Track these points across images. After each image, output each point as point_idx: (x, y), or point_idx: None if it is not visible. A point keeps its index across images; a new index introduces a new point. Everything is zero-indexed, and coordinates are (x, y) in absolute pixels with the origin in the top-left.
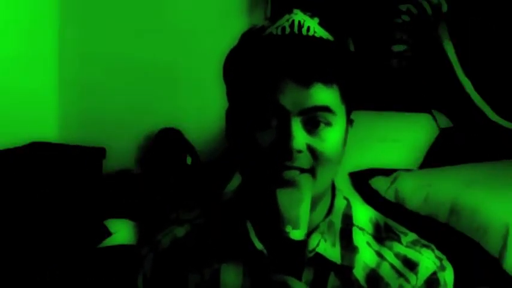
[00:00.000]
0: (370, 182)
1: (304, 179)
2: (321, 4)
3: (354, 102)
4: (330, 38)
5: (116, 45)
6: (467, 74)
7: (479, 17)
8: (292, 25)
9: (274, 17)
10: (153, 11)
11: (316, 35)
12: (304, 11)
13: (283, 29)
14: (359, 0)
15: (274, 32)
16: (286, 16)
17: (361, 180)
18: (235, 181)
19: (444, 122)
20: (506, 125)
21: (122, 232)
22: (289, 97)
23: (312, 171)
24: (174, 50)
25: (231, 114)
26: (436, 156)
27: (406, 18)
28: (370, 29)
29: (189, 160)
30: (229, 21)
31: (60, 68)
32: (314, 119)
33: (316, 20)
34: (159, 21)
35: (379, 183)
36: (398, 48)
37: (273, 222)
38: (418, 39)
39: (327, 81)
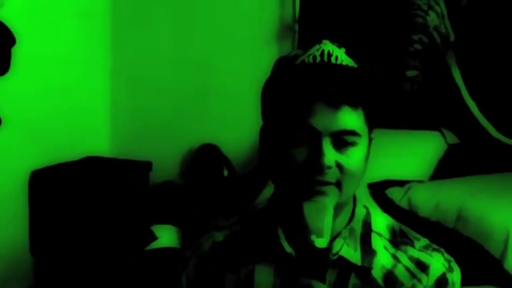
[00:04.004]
0: (386, 192)
1: (331, 190)
2: (342, 35)
3: (375, 124)
4: (356, 66)
5: (161, 70)
6: (472, 96)
7: (483, 45)
8: (322, 54)
9: (305, 47)
10: (193, 40)
11: (343, 63)
12: (332, 41)
13: (314, 57)
14: (376, 30)
15: (306, 61)
16: (317, 46)
17: (379, 190)
18: (268, 191)
19: (452, 138)
20: (507, 141)
21: (166, 236)
22: (321, 120)
23: (338, 184)
24: (212, 75)
25: (265, 133)
26: (445, 169)
27: (418, 46)
28: (386, 56)
29: (225, 172)
30: (260, 50)
31: (112, 91)
32: (342, 139)
33: (343, 49)
34: (198, 50)
35: (394, 193)
36: (411, 73)
37: (300, 231)
38: (428, 65)
39: (353, 105)
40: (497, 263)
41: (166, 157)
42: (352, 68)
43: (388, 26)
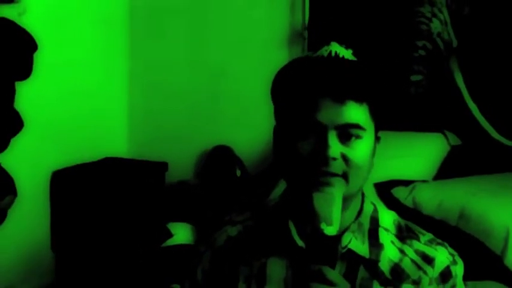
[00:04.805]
0: (392, 191)
1: (338, 182)
2: (350, 41)
3: (381, 120)
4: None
5: (176, 75)
6: (474, 100)
7: (485, 51)
8: (330, 54)
9: (314, 48)
10: (207, 46)
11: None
12: (340, 44)
13: (322, 56)
14: (383, 37)
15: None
16: (325, 47)
17: (385, 190)
18: (279, 189)
19: (454, 140)
20: (507, 143)
21: (181, 233)
22: (326, 114)
23: (344, 176)
24: (225, 79)
25: (278, 130)
26: (448, 170)
27: (422, 52)
28: (392, 61)
29: (238, 173)
30: (271, 55)
31: (130, 94)
32: (347, 132)
33: (351, 51)
34: (212, 55)
35: (399, 192)
36: (415, 78)
37: (310, 220)
38: (432, 70)
39: (358, 100)
40: (498, 259)
41: (181, 158)
42: (357, 63)
43: (394, 33)
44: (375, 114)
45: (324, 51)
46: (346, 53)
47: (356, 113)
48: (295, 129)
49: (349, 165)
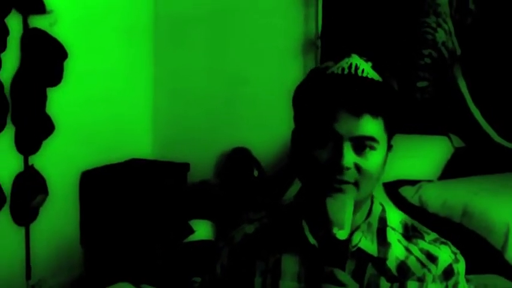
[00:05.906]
0: (399, 190)
1: (349, 189)
2: (360, 49)
3: (394, 132)
4: (380, 79)
5: (198, 81)
6: (477, 105)
7: (486, 59)
8: (350, 67)
9: (336, 59)
10: (226, 54)
11: (368, 76)
12: (361, 56)
13: (343, 69)
14: (391, 46)
15: (335, 72)
16: (346, 59)
17: (392, 189)
18: (293, 189)
19: (458, 142)
20: (507, 145)
21: (202, 230)
22: (343, 125)
23: (356, 184)
24: (244, 85)
25: (296, 135)
26: (452, 170)
27: (427, 60)
28: (400, 69)
29: (255, 173)
30: (286, 63)
31: (154, 99)
32: (362, 143)
33: (370, 64)
34: (231, 63)
35: (406, 192)
36: (421, 84)
37: (323, 224)
38: (437, 77)
39: (374, 114)
40: (499, 254)
41: (202, 159)
42: (375, 81)
43: (401, 42)
44: (389, 127)
45: (344, 64)
46: (366, 66)
47: (371, 126)
48: (313, 137)
49: (362, 174)
